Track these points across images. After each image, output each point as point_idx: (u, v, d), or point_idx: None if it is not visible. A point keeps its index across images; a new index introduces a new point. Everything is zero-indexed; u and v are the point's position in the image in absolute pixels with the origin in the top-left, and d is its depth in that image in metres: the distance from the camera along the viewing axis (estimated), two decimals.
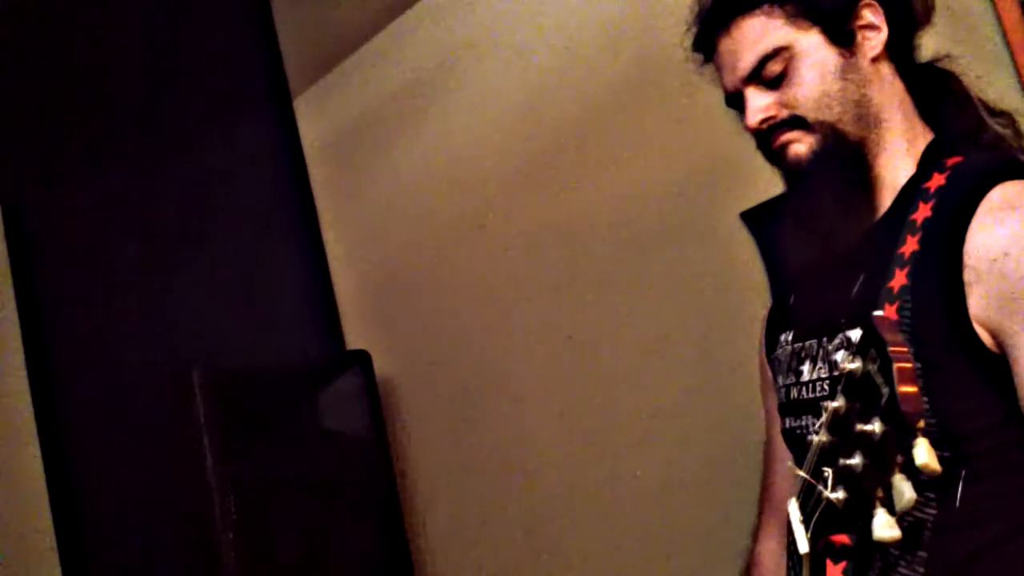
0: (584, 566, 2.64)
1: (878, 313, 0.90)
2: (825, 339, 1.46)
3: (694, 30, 1.54)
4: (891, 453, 0.89)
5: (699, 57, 1.57)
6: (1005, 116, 1.51)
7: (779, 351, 1.58)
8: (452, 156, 2.92)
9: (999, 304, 1.28)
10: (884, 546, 1.28)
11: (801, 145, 1.46)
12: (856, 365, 0.91)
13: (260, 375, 2.72)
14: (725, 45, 1.50)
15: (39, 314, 2.68)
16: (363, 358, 2.85)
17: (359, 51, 3.17)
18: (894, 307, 1.34)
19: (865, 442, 0.90)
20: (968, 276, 1.30)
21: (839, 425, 0.94)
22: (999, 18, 2.01)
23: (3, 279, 2.65)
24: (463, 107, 2.88)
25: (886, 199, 1.46)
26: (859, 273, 1.42)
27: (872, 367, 0.89)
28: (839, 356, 1.42)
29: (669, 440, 2.45)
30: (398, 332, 3.04)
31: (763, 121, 1.47)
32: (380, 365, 2.92)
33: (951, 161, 1.44)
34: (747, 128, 1.50)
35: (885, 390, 0.87)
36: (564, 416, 2.69)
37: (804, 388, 1.47)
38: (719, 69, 1.53)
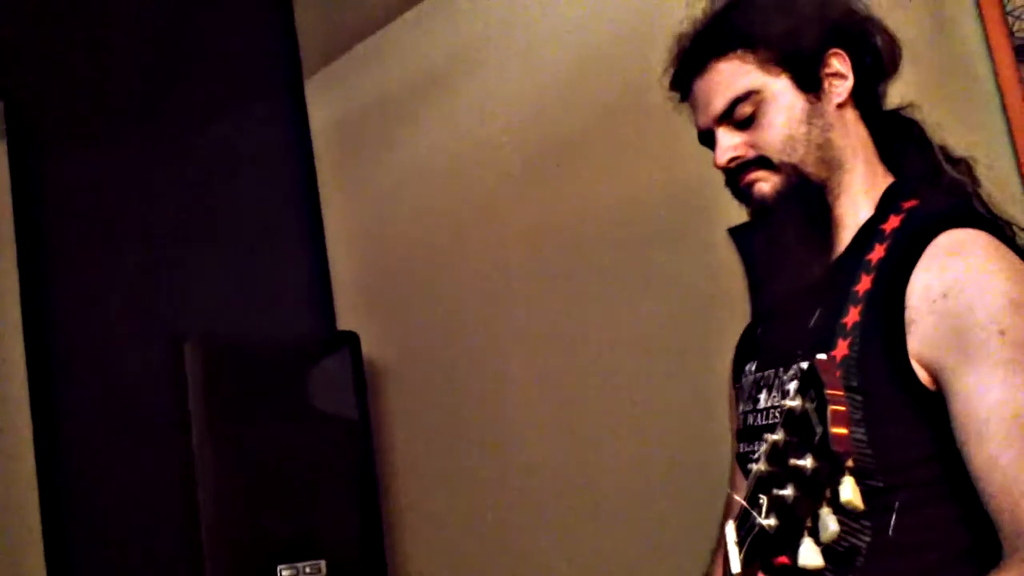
0: (560, 555, 2.70)
1: (820, 356, 0.97)
2: (782, 369, 1.53)
3: (671, 70, 1.61)
4: (821, 487, 0.96)
5: (676, 95, 1.64)
6: (963, 163, 1.58)
7: (744, 379, 1.65)
8: (457, 149, 2.98)
9: (936, 344, 1.35)
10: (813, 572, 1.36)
11: (766, 184, 1.54)
12: (796, 403, 0.98)
13: (251, 350, 2.78)
14: (700, 86, 1.58)
15: (39, 280, 2.74)
16: (352, 339, 2.90)
17: (373, 37, 3.22)
18: (847, 342, 1.41)
19: (798, 475, 0.97)
20: (909, 315, 1.37)
21: (777, 457, 1.00)
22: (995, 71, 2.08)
23: (6, 245, 2.70)
24: (471, 101, 2.94)
25: (845, 238, 1.54)
26: (817, 308, 1.49)
27: (810, 406, 0.95)
28: (792, 387, 1.49)
29: (651, 437, 2.52)
30: (391, 317, 3.10)
31: (731, 160, 1.55)
32: (370, 348, 2.98)
33: (907, 204, 1.51)
34: (716, 166, 1.57)
35: (819, 429, 0.93)
36: (549, 409, 2.76)
37: (759, 415, 1.55)
38: (693, 108, 1.61)
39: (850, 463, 0.93)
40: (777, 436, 1.00)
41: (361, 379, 2.88)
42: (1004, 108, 2.08)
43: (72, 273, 2.77)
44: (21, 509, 2.65)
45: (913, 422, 1.38)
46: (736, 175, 1.58)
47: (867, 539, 1.37)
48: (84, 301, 2.76)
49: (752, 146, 1.54)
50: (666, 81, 1.63)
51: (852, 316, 1.43)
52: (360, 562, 2.79)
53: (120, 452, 2.71)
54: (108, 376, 2.73)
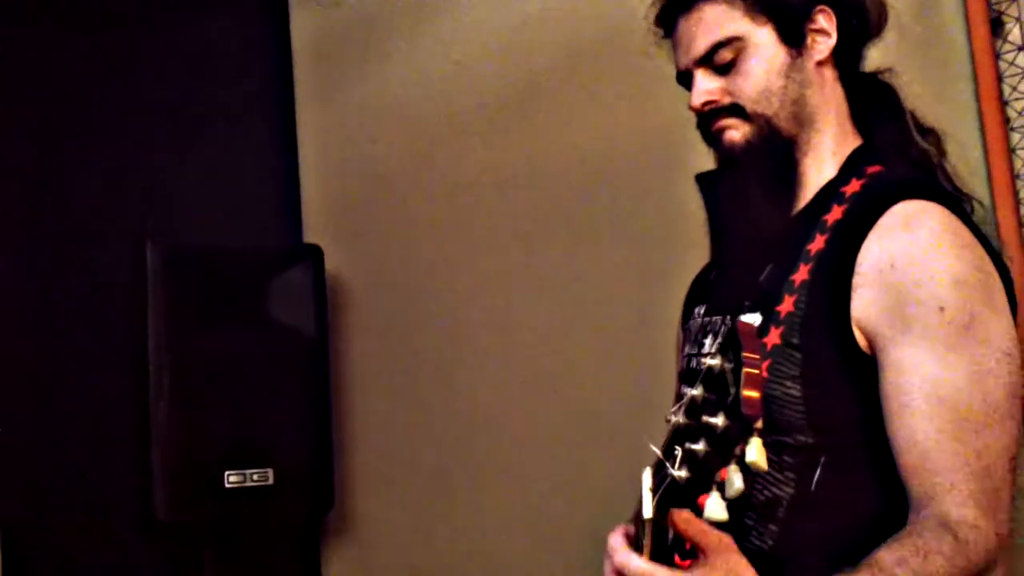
0: (509, 486, 2.75)
1: (743, 319, 1.00)
2: (728, 317, 1.55)
3: (658, 5, 1.61)
4: (730, 445, 0.99)
5: (659, 31, 1.63)
6: (933, 135, 1.59)
7: (691, 322, 1.68)
8: (436, 74, 2.96)
9: (878, 311, 1.38)
10: (742, 515, 1.41)
11: (736, 132, 1.55)
12: (715, 362, 1.01)
13: (214, 255, 2.78)
14: (684, 25, 1.57)
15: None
16: (316, 253, 2.90)
17: None
18: (793, 299, 1.44)
19: (710, 432, 1.00)
20: (856, 280, 1.40)
21: (694, 411, 1.03)
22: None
23: None
24: (450, 30, 2.92)
25: (807, 196, 1.55)
26: (770, 262, 1.51)
27: (728, 366, 0.98)
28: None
29: (609, 376, 2.55)
30: (356, 235, 3.11)
31: (706, 104, 1.56)
32: (334, 264, 2.99)
33: (871, 169, 1.53)
34: (691, 108, 1.58)
35: (733, 390, 0.96)
36: (507, 342, 2.79)
37: (702, 360, 1.57)
38: (675, 46, 1.61)
39: (759, 424, 0.95)
40: (696, 392, 1.03)
41: (322, 293, 2.89)
42: (975, 81, 2.09)
43: (37, 169, 2.76)
44: None
45: (846, 385, 1.41)
46: (708, 120, 1.58)
47: (790, 491, 1.41)
48: (47, 197, 2.75)
49: (728, 93, 1.55)
50: (652, 15, 1.63)
51: (801, 274, 1.46)
52: (308, 474, 2.82)
53: (74, 350, 2.71)
54: (67, 272, 2.73)
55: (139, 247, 2.62)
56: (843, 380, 1.41)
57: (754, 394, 0.94)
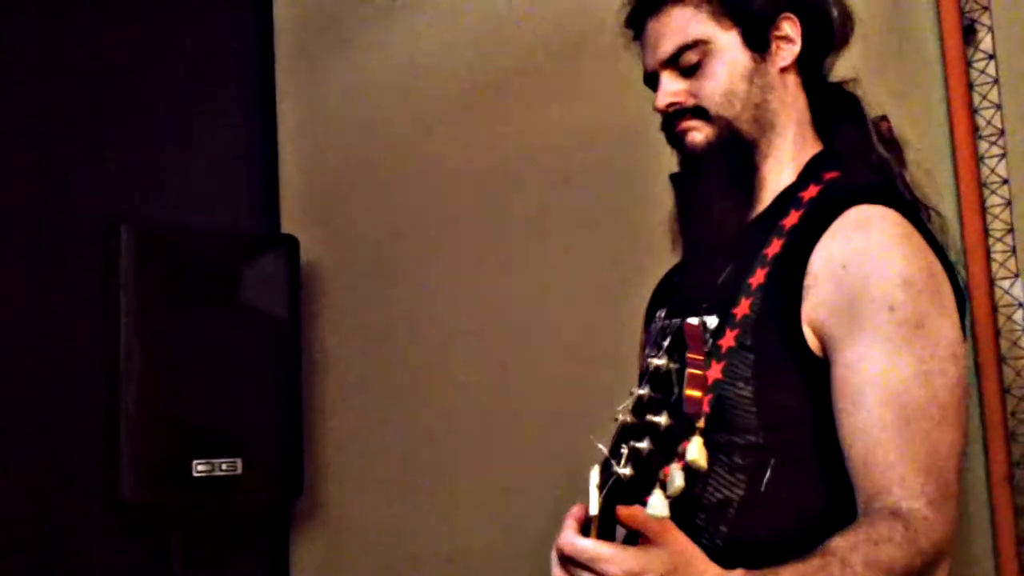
0: (479, 474, 2.76)
1: (690, 321, 1.01)
2: (683, 320, 1.58)
3: (628, 7, 1.63)
4: (673, 444, 1.00)
5: (629, 33, 1.66)
6: (894, 143, 1.61)
7: (653, 325, 1.70)
8: (413, 66, 2.97)
9: (829, 311, 1.41)
10: (693, 516, 1.43)
11: (699, 134, 1.58)
12: (662, 362, 1.02)
13: (187, 240, 2.76)
14: (652, 27, 1.60)
15: None
16: (291, 242, 2.91)
17: None
18: (748, 301, 1.47)
19: (653, 430, 1.01)
20: (808, 281, 1.42)
21: (640, 410, 1.05)
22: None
23: None
24: (431, 20, 2.93)
25: (766, 200, 1.58)
26: (729, 264, 1.54)
27: (673, 366, 0.99)
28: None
29: (579, 369, 2.57)
30: (333, 224, 3.11)
31: (670, 105, 1.59)
32: (309, 253, 2.99)
33: (828, 175, 1.55)
34: (655, 109, 1.60)
35: (676, 390, 0.97)
36: (479, 332, 2.80)
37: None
38: (643, 48, 1.63)
39: (701, 423, 0.97)
40: (642, 391, 1.04)
41: (296, 283, 2.89)
42: (946, 89, 2.11)
43: (10, 151, 2.75)
44: None
45: (797, 385, 1.43)
46: (672, 121, 1.61)
47: (741, 492, 1.43)
48: (19, 179, 2.74)
49: (692, 95, 1.58)
50: (622, 17, 1.66)
51: (758, 277, 1.48)
52: (277, 464, 2.82)
53: (44, 332, 2.71)
54: (38, 255, 2.72)
55: (113, 230, 2.61)
56: (794, 381, 1.43)
57: (696, 394, 0.96)
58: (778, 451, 1.43)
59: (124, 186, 2.85)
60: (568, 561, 1.20)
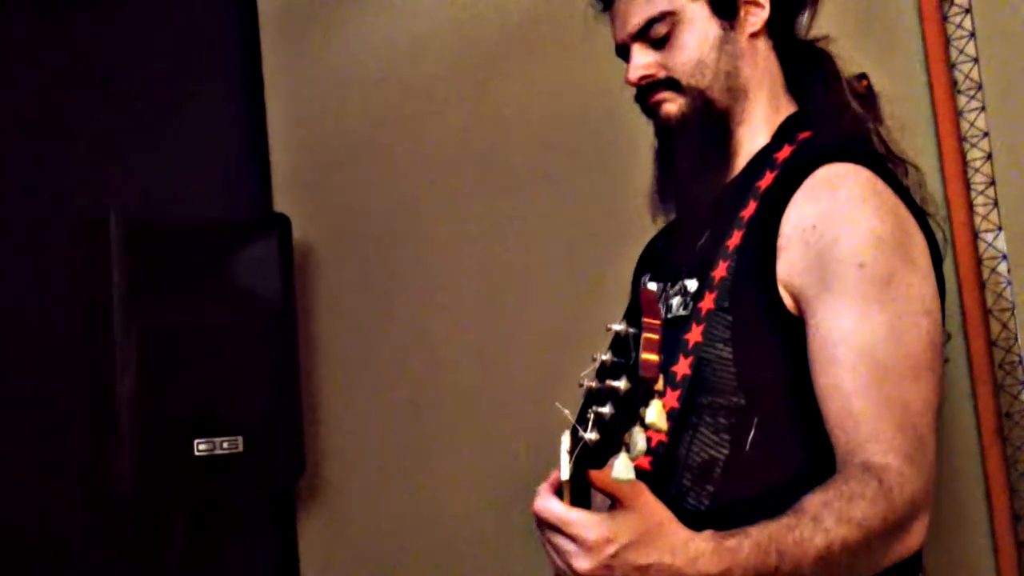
0: (479, 448, 2.78)
1: (648, 286, 1.02)
2: (669, 284, 1.59)
3: None
4: (634, 408, 1.02)
5: (597, 5, 1.66)
6: (868, 99, 1.62)
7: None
8: (402, 44, 2.97)
9: (801, 270, 1.42)
10: (679, 477, 1.44)
11: (672, 105, 1.58)
12: (621, 327, 1.03)
13: (176, 225, 2.77)
14: (621, 1, 1.59)
15: None
16: (283, 222, 2.90)
17: None
18: (726, 264, 1.48)
19: (614, 395, 1.03)
20: (781, 242, 1.44)
21: (602, 375, 1.06)
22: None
23: None
24: None
25: (741, 164, 1.58)
26: (707, 229, 1.55)
27: (632, 331, 1.01)
28: (674, 302, 1.55)
29: (571, 342, 2.57)
30: (325, 203, 3.12)
31: (642, 78, 1.59)
32: (302, 232, 3.00)
33: (802, 136, 1.56)
34: (627, 82, 1.60)
35: (634, 354, 0.99)
36: (476, 308, 2.82)
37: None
38: (612, 20, 1.63)
39: (659, 386, 0.98)
40: (605, 356, 1.06)
41: (289, 262, 2.89)
42: (923, 43, 2.11)
43: None
44: None
45: (775, 346, 1.45)
46: (645, 93, 1.62)
47: (725, 452, 1.45)
48: (3, 170, 2.74)
49: (663, 66, 1.59)
50: None
51: (735, 240, 1.49)
52: (278, 441, 2.83)
53: (35, 322, 2.72)
54: (28, 244, 2.73)
55: (101, 219, 2.62)
56: (771, 341, 1.44)
57: (652, 357, 0.97)
58: (760, 411, 1.44)
59: (112, 174, 2.85)
60: (543, 525, 1.22)
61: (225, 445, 2.71)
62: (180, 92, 3.04)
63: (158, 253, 2.69)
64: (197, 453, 2.67)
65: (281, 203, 3.12)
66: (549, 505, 1.20)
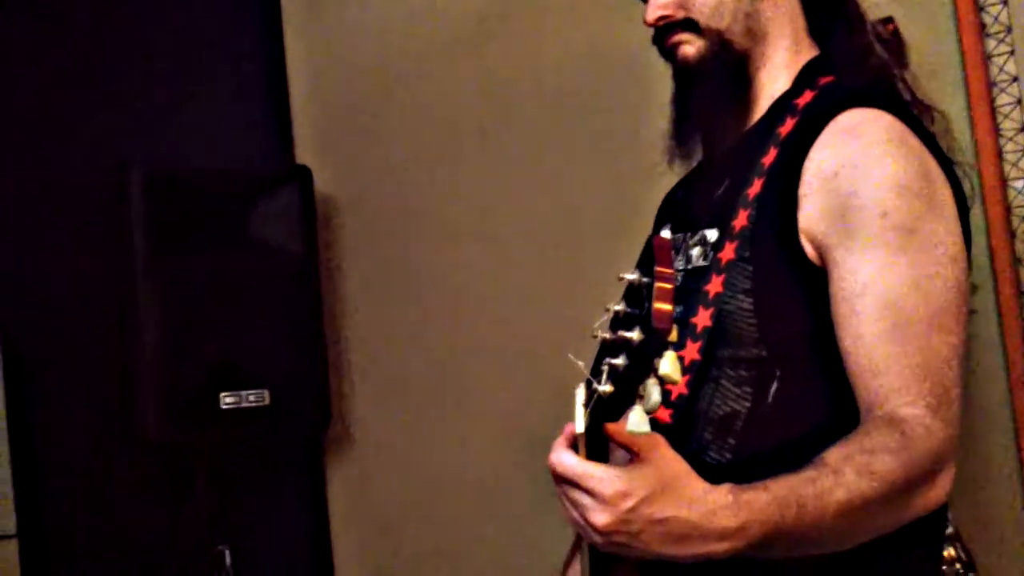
0: (500, 395, 2.79)
1: (662, 234, 1.00)
2: (689, 235, 1.56)
3: None
4: (647, 358, 1.00)
5: None
6: (893, 43, 1.57)
7: None
8: None
9: (823, 219, 1.38)
10: (700, 430, 1.42)
11: (690, 47, 1.54)
12: (634, 276, 1.01)
13: (200, 177, 2.76)
14: None
15: None
16: (304, 173, 2.90)
17: None
18: (746, 213, 1.45)
19: (627, 346, 1.01)
20: (802, 190, 1.40)
21: (616, 326, 1.05)
22: None
23: None
24: None
25: (761, 110, 1.54)
26: (726, 178, 1.52)
27: (645, 281, 0.99)
28: (694, 252, 1.53)
29: (580, 293, 2.58)
30: (347, 154, 3.11)
31: (660, 19, 1.55)
32: (323, 182, 2.99)
33: (823, 80, 1.52)
34: (645, 22, 1.57)
35: (647, 304, 0.97)
36: (495, 255, 2.82)
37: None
38: None
39: (672, 337, 0.96)
40: (618, 307, 1.04)
41: (311, 214, 2.89)
42: None
43: (19, 92, 2.75)
44: None
45: (797, 296, 1.41)
46: (663, 34, 1.57)
47: (748, 405, 1.42)
48: (29, 120, 2.74)
49: (682, 7, 1.54)
50: None
51: (755, 188, 1.46)
52: (304, 393, 2.84)
53: (58, 276, 2.73)
54: (51, 197, 2.74)
55: (123, 170, 2.62)
56: (792, 291, 1.41)
57: (665, 307, 0.95)
58: (783, 363, 1.41)
59: (134, 127, 2.85)
60: (557, 478, 1.20)
61: (251, 398, 2.72)
62: (202, 44, 3.04)
63: (180, 205, 2.69)
64: (223, 406, 2.68)
65: (303, 155, 3.11)
66: (564, 459, 1.19)
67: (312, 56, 3.18)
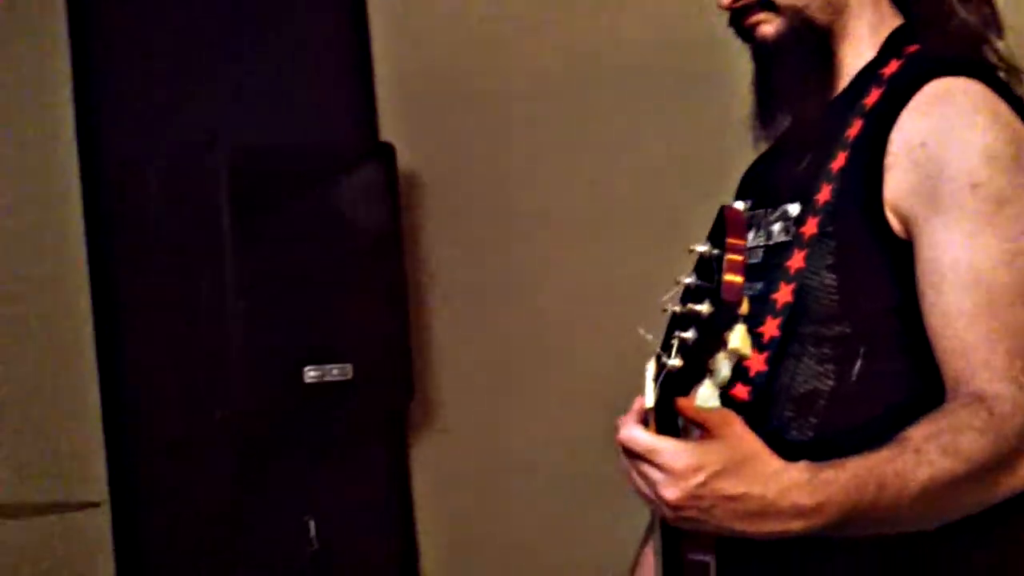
0: (580, 371, 2.79)
1: (736, 205, 0.97)
2: (769, 210, 1.53)
3: None
4: (718, 332, 0.98)
5: None
6: (981, 5, 1.51)
7: None
8: None
9: (909, 191, 1.34)
10: (781, 408, 1.40)
11: (769, 26, 1.50)
12: (704, 248, 0.99)
13: (285, 155, 2.80)
14: None
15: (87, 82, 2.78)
16: (387, 150, 2.91)
17: None
18: (829, 188, 1.41)
19: (697, 319, 0.99)
20: (888, 161, 1.35)
21: (686, 299, 1.02)
22: None
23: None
24: None
25: (845, 83, 1.50)
26: (809, 151, 1.48)
27: (716, 252, 0.97)
28: (776, 228, 1.50)
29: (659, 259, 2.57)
30: (431, 130, 3.12)
31: (735, 0, 1.51)
32: (406, 159, 3.00)
33: (909, 49, 1.47)
34: (720, 6, 1.53)
35: (717, 276, 0.95)
36: (573, 236, 2.83)
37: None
38: None
39: (744, 310, 0.94)
40: (689, 279, 1.02)
41: (394, 190, 2.90)
42: None
43: (109, 73, 2.81)
44: (75, 330, 2.78)
45: (881, 270, 1.38)
46: (740, 16, 1.54)
47: (831, 383, 1.39)
48: (122, 104, 2.80)
49: None
50: None
51: (839, 161, 1.43)
52: (388, 368, 2.86)
53: (148, 254, 2.78)
54: (139, 175, 2.79)
55: (210, 147, 2.66)
56: (877, 266, 1.38)
57: (736, 279, 0.93)
58: (867, 340, 1.37)
59: (221, 104, 2.88)
60: (628, 453, 1.19)
61: (335, 372, 2.74)
62: (287, 21, 3.05)
63: (266, 181, 2.72)
64: (307, 380, 2.71)
65: (386, 132, 3.13)
66: (634, 434, 1.17)
67: (396, 33, 3.18)
